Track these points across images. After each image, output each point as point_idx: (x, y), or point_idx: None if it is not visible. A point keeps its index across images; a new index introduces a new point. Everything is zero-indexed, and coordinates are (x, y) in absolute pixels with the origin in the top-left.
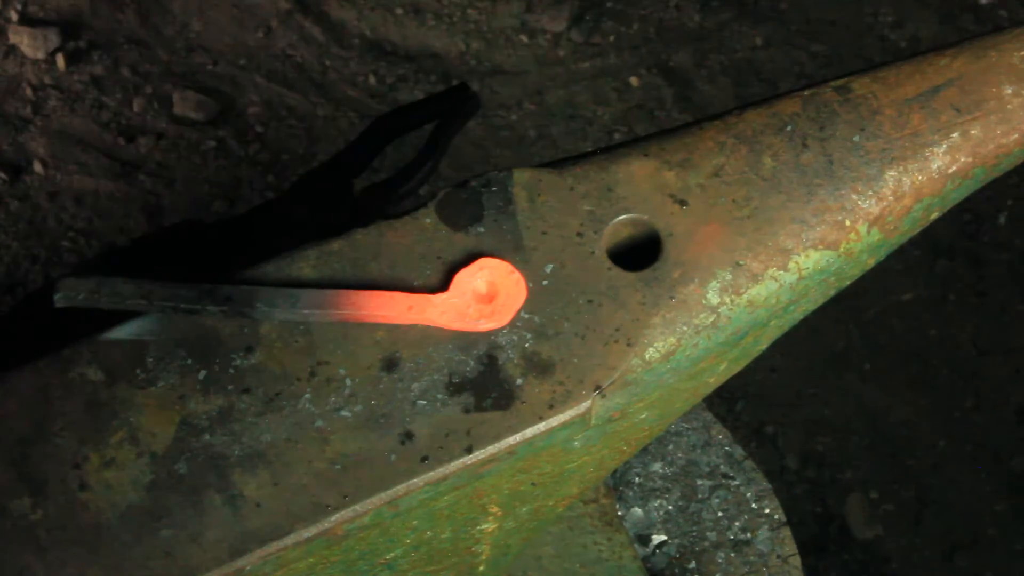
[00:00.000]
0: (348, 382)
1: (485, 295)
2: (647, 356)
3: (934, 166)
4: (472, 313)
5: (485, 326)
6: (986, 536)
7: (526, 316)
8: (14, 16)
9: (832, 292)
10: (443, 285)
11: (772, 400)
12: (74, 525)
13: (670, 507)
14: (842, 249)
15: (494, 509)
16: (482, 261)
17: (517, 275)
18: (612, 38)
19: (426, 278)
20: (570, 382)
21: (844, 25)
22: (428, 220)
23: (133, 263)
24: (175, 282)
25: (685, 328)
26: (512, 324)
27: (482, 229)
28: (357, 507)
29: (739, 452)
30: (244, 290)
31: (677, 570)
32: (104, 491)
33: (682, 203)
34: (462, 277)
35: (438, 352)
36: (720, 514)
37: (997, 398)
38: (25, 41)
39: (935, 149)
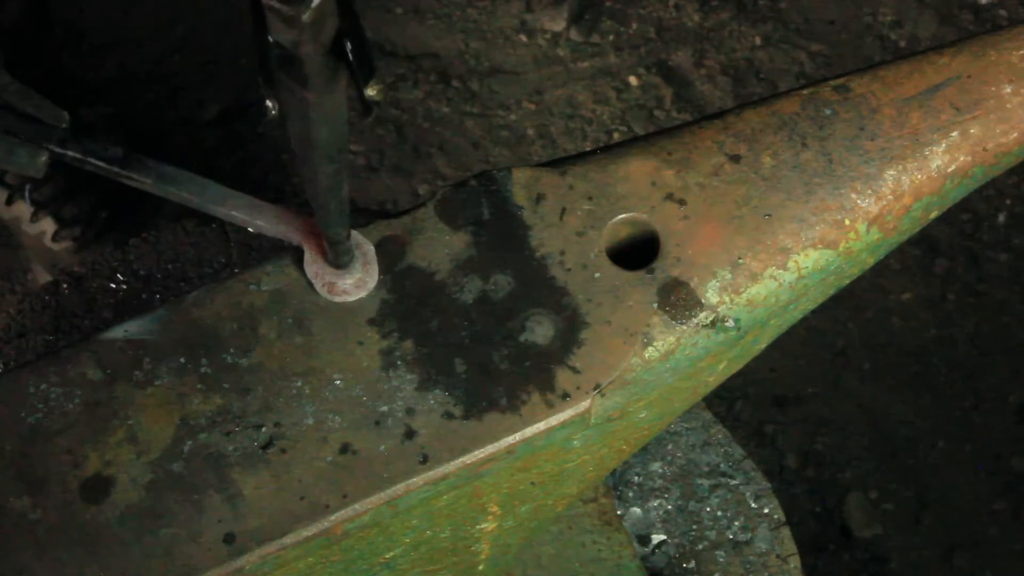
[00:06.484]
0: (347, 381)
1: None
2: (646, 355)
3: (933, 165)
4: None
5: (339, 287)
6: (986, 536)
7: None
8: None
9: (831, 291)
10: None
11: (772, 400)
12: (74, 525)
13: (669, 507)
14: (841, 248)
15: (493, 508)
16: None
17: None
18: (611, 38)
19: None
20: (570, 382)
21: (844, 25)
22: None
23: None
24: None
25: (684, 327)
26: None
27: (481, 229)
28: (356, 507)
29: (738, 452)
30: (140, 158)
31: (676, 570)
32: (104, 491)
33: (681, 202)
34: (359, 234)
35: None
36: (719, 514)
37: (997, 398)
38: None
39: (934, 148)
